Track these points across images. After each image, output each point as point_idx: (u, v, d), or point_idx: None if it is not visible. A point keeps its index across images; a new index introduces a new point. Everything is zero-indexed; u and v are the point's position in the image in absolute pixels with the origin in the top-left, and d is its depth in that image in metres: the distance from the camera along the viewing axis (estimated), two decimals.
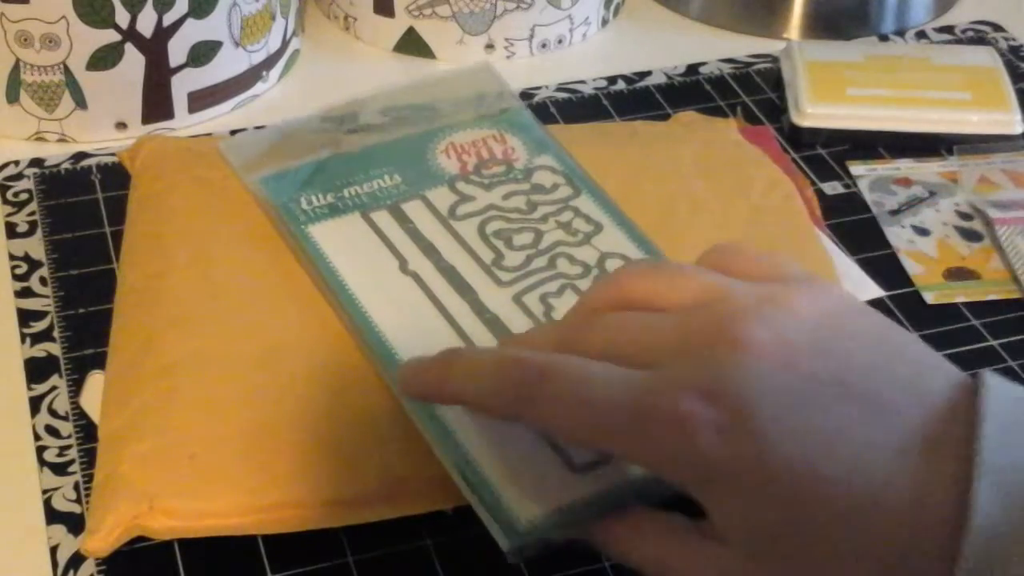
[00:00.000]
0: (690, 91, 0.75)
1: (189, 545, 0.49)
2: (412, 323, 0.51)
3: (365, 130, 0.59)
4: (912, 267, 0.63)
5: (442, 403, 0.46)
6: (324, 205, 0.55)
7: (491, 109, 0.61)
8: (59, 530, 0.50)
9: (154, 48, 0.68)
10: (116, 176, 0.65)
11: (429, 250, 0.54)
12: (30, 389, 0.56)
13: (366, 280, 0.53)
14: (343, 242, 0.54)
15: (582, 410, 0.40)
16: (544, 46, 0.78)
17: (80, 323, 0.58)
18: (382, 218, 0.55)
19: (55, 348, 0.57)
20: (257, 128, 0.68)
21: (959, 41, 0.81)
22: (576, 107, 0.73)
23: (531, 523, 0.44)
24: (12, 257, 0.62)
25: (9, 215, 0.65)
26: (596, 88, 0.75)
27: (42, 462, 0.53)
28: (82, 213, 0.64)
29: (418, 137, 0.59)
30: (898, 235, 0.65)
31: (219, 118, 0.72)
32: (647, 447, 0.39)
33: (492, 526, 0.44)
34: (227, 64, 0.71)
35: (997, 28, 0.82)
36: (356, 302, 0.52)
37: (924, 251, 0.64)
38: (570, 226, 0.55)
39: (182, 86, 0.70)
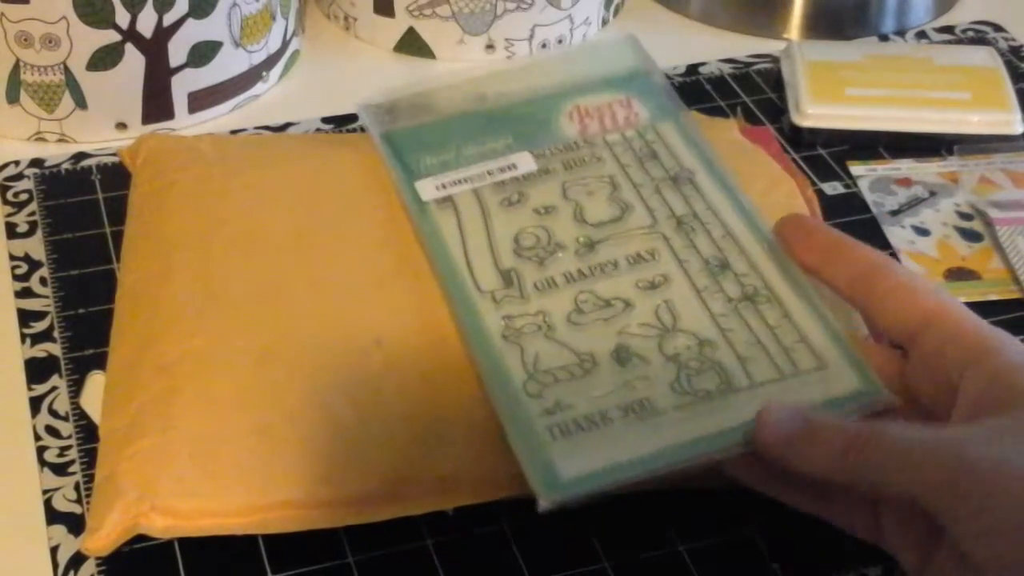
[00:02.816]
0: (690, 91, 0.75)
1: (189, 545, 0.49)
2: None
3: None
4: (912, 267, 0.63)
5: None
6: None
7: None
8: (59, 530, 0.50)
9: (154, 48, 0.68)
10: (116, 176, 0.65)
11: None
12: (30, 389, 0.56)
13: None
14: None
15: None
16: (544, 46, 0.78)
17: (80, 323, 0.58)
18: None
19: (55, 348, 0.57)
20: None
21: (959, 41, 0.81)
22: None
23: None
24: (12, 257, 0.62)
25: (9, 215, 0.65)
26: None
27: (42, 462, 0.53)
28: (82, 213, 0.64)
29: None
30: (898, 235, 0.65)
31: (219, 118, 0.72)
32: None
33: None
34: (227, 64, 0.71)
35: (997, 28, 0.82)
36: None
37: (924, 251, 0.64)
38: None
39: (182, 86, 0.70)
